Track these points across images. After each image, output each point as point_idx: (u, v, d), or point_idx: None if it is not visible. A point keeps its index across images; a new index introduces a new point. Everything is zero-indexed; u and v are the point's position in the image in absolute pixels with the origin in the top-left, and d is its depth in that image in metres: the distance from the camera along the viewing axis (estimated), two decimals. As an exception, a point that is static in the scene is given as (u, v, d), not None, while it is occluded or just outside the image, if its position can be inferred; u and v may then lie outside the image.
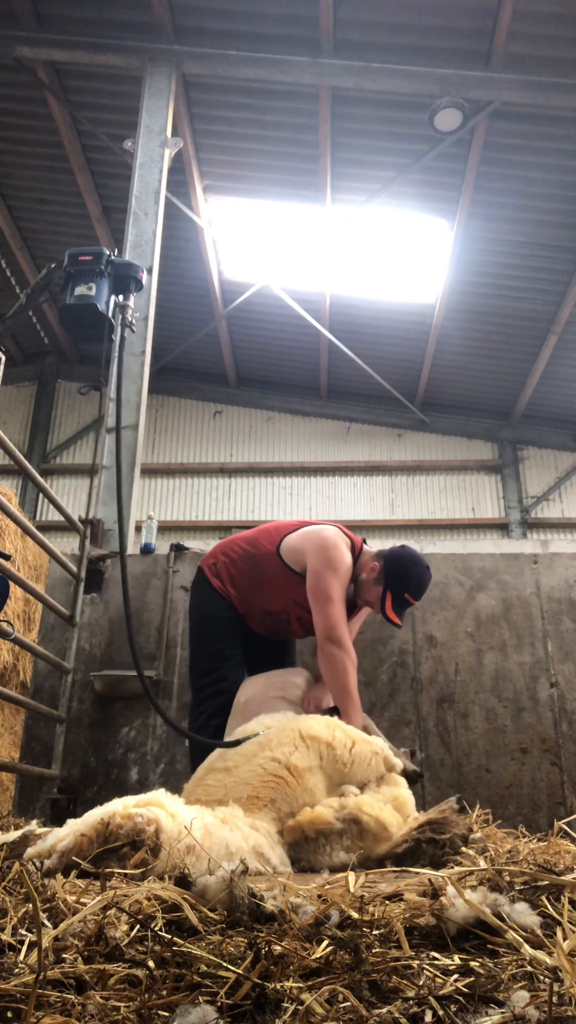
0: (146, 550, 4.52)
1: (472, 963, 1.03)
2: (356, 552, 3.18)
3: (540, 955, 1.03)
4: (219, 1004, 0.88)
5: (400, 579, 3.05)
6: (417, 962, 1.03)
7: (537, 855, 1.97)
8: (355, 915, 1.21)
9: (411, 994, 0.93)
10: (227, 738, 2.79)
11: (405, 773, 2.96)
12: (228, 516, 11.85)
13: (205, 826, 1.88)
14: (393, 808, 2.32)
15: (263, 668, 3.21)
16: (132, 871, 1.57)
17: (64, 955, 1.05)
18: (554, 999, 0.84)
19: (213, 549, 3.46)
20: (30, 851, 1.74)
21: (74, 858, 1.64)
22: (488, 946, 1.12)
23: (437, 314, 9.74)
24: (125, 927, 1.15)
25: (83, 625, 4.12)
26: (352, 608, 3.26)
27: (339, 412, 12.31)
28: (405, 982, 0.96)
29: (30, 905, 1.25)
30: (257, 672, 3.18)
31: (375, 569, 3.10)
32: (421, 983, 0.96)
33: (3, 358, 3.16)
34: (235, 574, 3.25)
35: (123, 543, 2.87)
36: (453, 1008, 0.89)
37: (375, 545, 3.34)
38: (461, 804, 2.81)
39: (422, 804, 3.01)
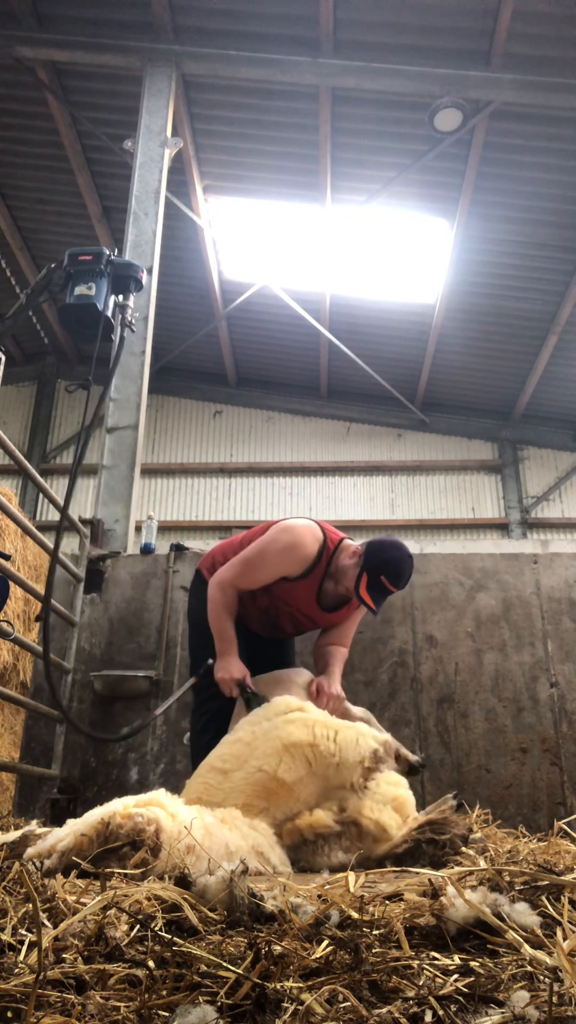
0: (146, 550, 4.52)
1: (472, 963, 1.03)
2: (333, 547, 3.13)
3: (540, 955, 1.03)
4: (219, 1004, 0.88)
5: (377, 562, 2.98)
6: (417, 962, 1.03)
7: (537, 855, 1.97)
8: (355, 915, 1.21)
9: (411, 994, 0.93)
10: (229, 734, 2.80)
11: (407, 763, 2.96)
12: (228, 516, 11.85)
13: (205, 826, 1.88)
14: (393, 809, 2.32)
15: (263, 668, 3.20)
16: (132, 871, 1.57)
17: (64, 955, 1.05)
18: (554, 999, 0.84)
19: (210, 551, 3.44)
20: (30, 851, 1.74)
21: (74, 858, 1.64)
22: (488, 946, 1.12)
23: (437, 314, 9.74)
24: (125, 927, 1.15)
25: (83, 625, 4.12)
26: (339, 604, 3.23)
27: (339, 412, 12.31)
28: (405, 982, 0.96)
29: (30, 905, 1.25)
30: (258, 673, 3.18)
31: (356, 553, 3.06)
32: (421, 983, 0.96)
33: (3, 358, 3.16)
34: None
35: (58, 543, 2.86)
36: (453, 1008, 0.89)
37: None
38: (459, 801, 2.82)
39: (422, 803, 3.00)
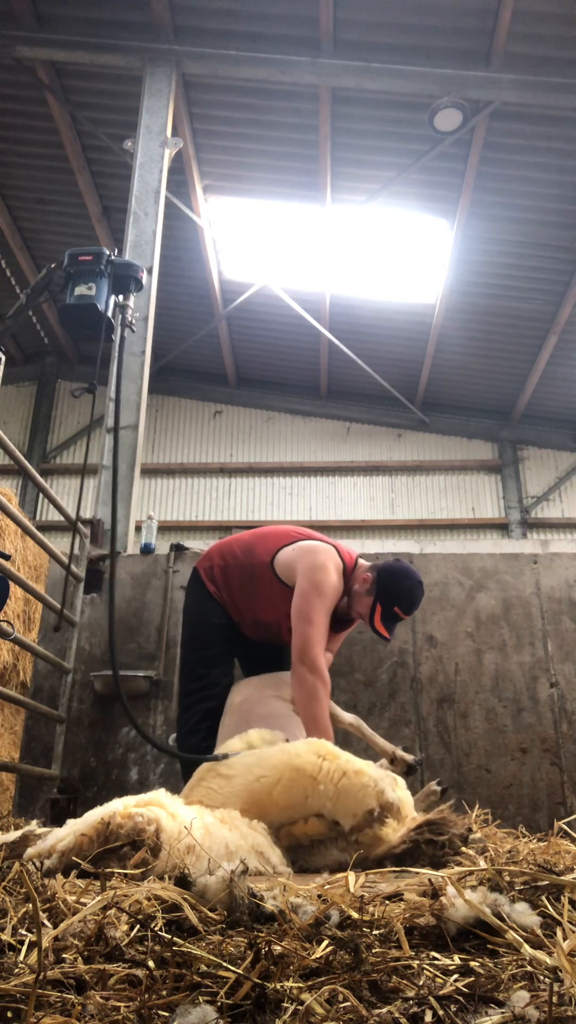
0: (146, 550, 4.52)
1: (472, 963, 1.03)
2: (350, 568, 3.13)
3: (540, 955, 1.03)
4: (219, 1004, 0.88)
5: (390, 593, 2.99)
6: (417, 962, 1.03)
7: (537, 855, 1.97)
8: (355, 915, 1.21)
9: (411, 994, 0.93)
10: (219, 741, 2.79)
11: (405, 764, 2.96)
12: (228, 516, 11.85)
13: (205, 826, 1.88)
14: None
15: (259, 671, 3.20)
16: (132, 871, 1.57)
17: (64, 955, 1.05)
18: (554, 999, 0.84)
19: (209, 551, 3.41)
20: (30, 851, 1.74)
21: (74, 858, 1.64)
22: (488, 946, 1.12)
23: (437, 314, 9.74)
24: (125, 927, 1.15)
25: (83, 625, 4.12)
26: (346, 622, 3.24)
27: (339, 412, 12.31)
28: (405, 982, 0.96)
29: (30, 905, 1.25)
30: (253, 675, 3.18)
31: (367, 580, 3.05)
32: (421, 983, 0.96)
33: (3, 358, 3.16)
34: (230, 581, 3.21)
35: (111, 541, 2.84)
36: (453, 1008, 0.89)
37: (375, 546, 3.33)
38: (442, 788, 2.82)
39: (412, 790, 3.00)
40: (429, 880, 1.42)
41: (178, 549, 4.36)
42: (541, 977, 0.97)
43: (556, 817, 3.39)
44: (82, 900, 1.30)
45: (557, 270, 8.83)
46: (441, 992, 0.92)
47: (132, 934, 1.12)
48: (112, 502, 2.94)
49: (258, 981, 0.92)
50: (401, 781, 2.46)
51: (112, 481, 2.97)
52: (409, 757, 3.01)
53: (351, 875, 1.51)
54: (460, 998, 0.91)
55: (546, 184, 7.78)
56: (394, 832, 2.20)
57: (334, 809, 2.24)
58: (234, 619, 3.22)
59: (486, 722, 3.83)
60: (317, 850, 2.22)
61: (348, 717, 3.11)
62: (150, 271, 5.67)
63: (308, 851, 2.23)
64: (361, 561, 3.18)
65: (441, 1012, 0.86)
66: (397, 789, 2.37)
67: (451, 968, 1.01)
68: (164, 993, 0.91)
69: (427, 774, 3.70)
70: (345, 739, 3.18)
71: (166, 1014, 0.86)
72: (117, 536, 4.65)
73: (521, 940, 1.08)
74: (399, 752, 3.03)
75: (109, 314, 3.32)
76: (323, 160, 7.81)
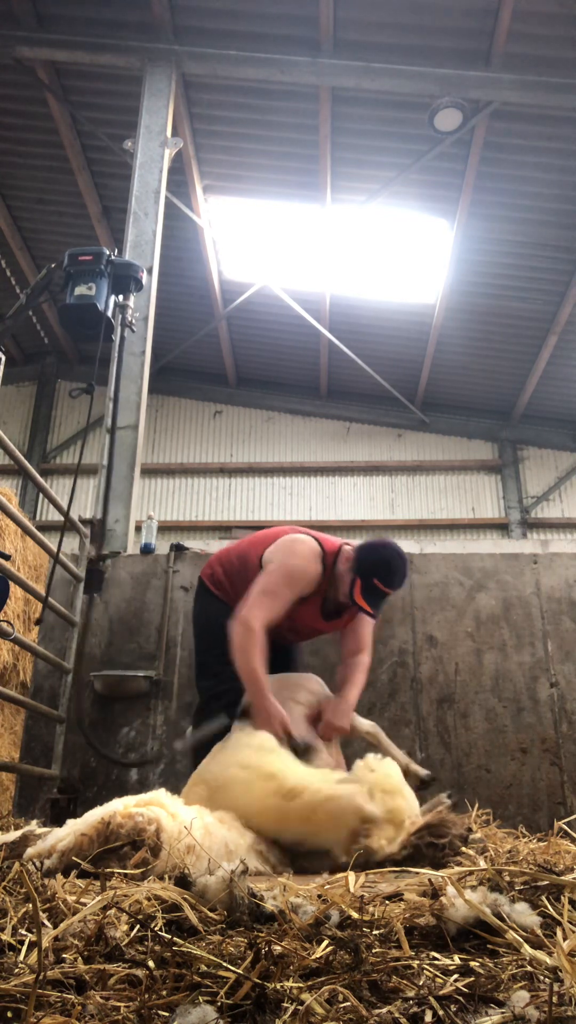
0: (146, 550, 4.52)
1: (472, 963, 1.03)
2: (333, 553, 3.12)
3: (540, 955, 1.03)
4: (219, 1004, 0.88)
5: (368, 565, 2.96)
6: (417, 962, 1.03)
7: (537, 855, 1.97)
8: (355, 915, 1.21)
9: (411, 994, 0.93)
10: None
11: (417, 778, 2.93)
12: (228, 516, 11.85)
13: (205, 826, 1.88)
14: (387, 821, 2.24)
15: (269, 670, 3.22)
16: (132, 871, 1.57)
17: (64, 955, 1.05)
18: (554, 999, 0.84)
19: (210, 559, 3.45)
20: (30, 851, 1.74)
21: (74, 858, 1.64)
22: (488, 946, 1.12)
23: (437, 314, 9.74)
24: (125, 927, 1.15)
25: (83, 625, 4.12)
26: (341, 610, 3.22)
27: (339, 412, 12.30)
28: (405, 982, 0.96)
29: (30, 905, 1.25)
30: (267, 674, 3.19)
31: (349, 559, 3.05)
32: (421, 983, 0.96)
33: (3, 358, 3.16)
34: (234, 586, 3.25)
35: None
36: (453, 1008, 0.89)
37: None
38: (453, 801, 2.80)
39: (422, 802, 2.99)
40: (429, 880, 1.42)
41: (178, 549, 4.36)
42: (541, 977, 0.97)
43: (556, 817, 3.39)
44: (82, 900, 1.30)
45: (557, 270, 8.83)
46: (441, 992, 0.92)
47: (132, 934, 1.13)
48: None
49: (258, 981, 0.92)
50: (401, 788, 2.42)
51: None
52: (423, 772, 3.00)
53: (351, 875, 1.51)
54: (460, 998, 0.91)
55: (546, 184, 7.78)
56: (389, 841, 2.16)
57: (316, 842, 2.17)
58: None
59: (486, 722, 3.83)
60: (315, 854, 2.22)
61: (365, 725, 3.09)
62: (150, 271, 5.67)
63: (306, 855, 2.23)
64: (347, 547, 3.17)
65: (441, 1012, 0.86)
66: (397, 798, 2.31)
67: (451, 968, 1.01)
68: (164, 993, 0.91)
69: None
70: (344, 742, 3.18)
71: (166, 1014, 0.86)
72: (117, 535, 4.66)
73: (521, 940, 1.08)
74: (413, 766, 3.01)
75: (109, 314, 3.32)
76: (323, 160, 7.80)
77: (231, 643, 2.90)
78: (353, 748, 3.14)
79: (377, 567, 2.95)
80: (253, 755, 2.38)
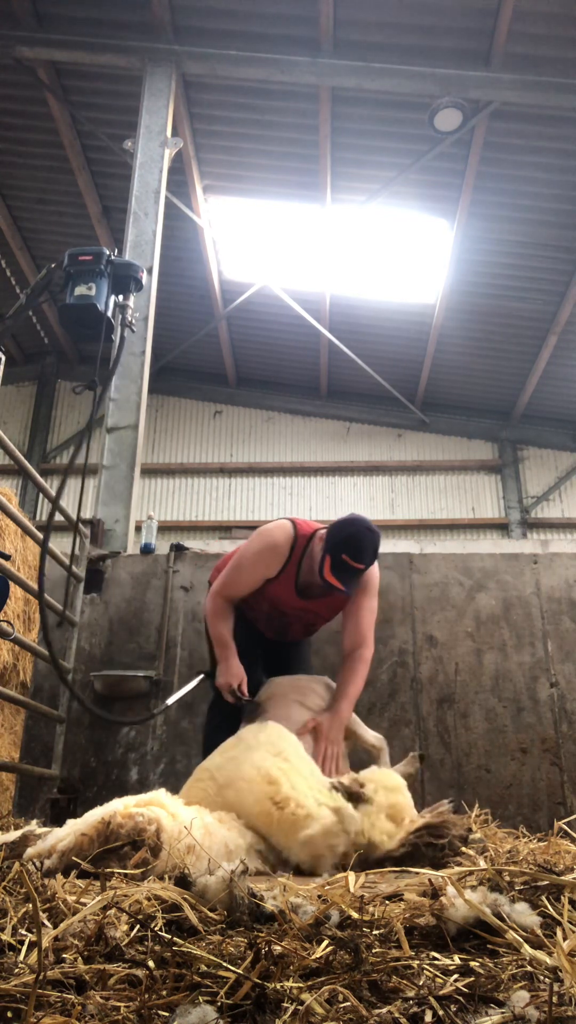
0: (146, 550, 4.52)
1: (472, 963, 1.03)
2: (307, 535, 3.13)
3: (540, 955, 1.03)
4: (219, 1004, 0.88)
5: (337, 541, 2.94)
6: (417, 962, 1.03)
7: (537, 855, 1.98)
8: (355, 915, 1.21)
9: (411, 994, 0.93)
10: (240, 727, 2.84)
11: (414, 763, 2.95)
12: (228, 516, 11.85)
13: (205, 826, 1.88)
14: (388, 817, 2.25)
15: (275, 671, 3.24)
16: (132, 871, 1.57)
17: (64, 955, 1.05)
18: (554, 999, 0.84)
19: (217, 564, 3.54)
20: (30, 851, 1.74)
21: (74, 858, 1.64)
22: (488, 946, 1.12)
23: (437, 314, 9.74)
24: (125, 927, 1.15)
25: (83, 625, 4.12)
26: (323, 593, 3.19)
27: (339, 412, 12.30)
28: (405, 982, 0.96)
29: (30, 905, 1.25)
30: (271, 675, 3.20)
31: (322, 538, 3.05)
32: (421, 983, 0.96)
33: (3, 358, 3.16)
34: None
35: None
36: (453, 1008, 0.89)
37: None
38: (454, 805, 2.80)
39: (421, 803, 3.00)
40: (429, 880, 1.42)
41: (178, 549, 4.36)
42: (541, 977, 0.97)
43: (556, 817, 3.39)
44: (82, 900, 1.30)
45: (557, 270, 8.83)
46: (441, 992, 0.92)
47: (132, 934, 1.13)
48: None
49: (258, 981, 0.92)
50: (401, 785, 2.44)
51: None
52: (408, 771, 3.00)
53: (351, 875, 1.51)
54: (460, 998, 0.91)
55: (546, 184, 7.78)
56: (389, 836, 2.17)
57: (293, 856, 2.16)
58: (248, 616, 3.29)
59: (486, 722, 3.83)
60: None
61: (371, 738, 3.08)
62: (150, 271, 5.67)
63: None
64: (323, 529, 3.16)
65: (441, 1012, 0.86)
66: (398, 794, 2.33)
67: (451, 968, 1.01)
68: (164, 993, 0.91)
69: (427, 774, 3.70)
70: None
71: (166, 1014, 0.86)
72: (106, 530, 4.67)
73: (521, 940, 1.08)
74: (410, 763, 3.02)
75: (109, 314, 3.32)
76: (323, 160, 7.81)
77: (206, 605, 3.17)
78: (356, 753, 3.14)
79: (347, 543, 2.92)
80: (267, 758, 2.38)
